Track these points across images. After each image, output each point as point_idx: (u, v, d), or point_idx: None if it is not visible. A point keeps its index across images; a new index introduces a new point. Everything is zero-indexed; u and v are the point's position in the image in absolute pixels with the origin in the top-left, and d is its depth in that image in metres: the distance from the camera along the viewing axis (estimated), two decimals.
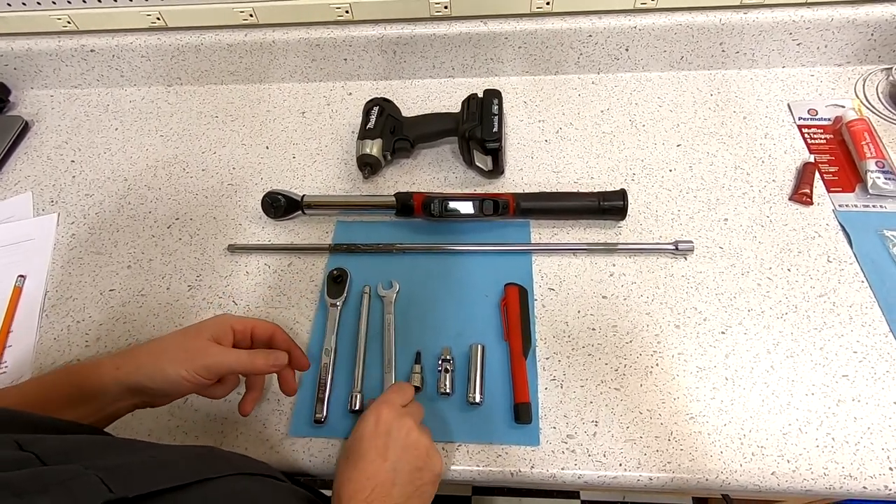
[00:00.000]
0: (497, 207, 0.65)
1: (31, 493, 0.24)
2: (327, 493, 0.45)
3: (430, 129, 0.76)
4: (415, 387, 0.55)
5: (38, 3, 0.83)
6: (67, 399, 0.42)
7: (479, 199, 0.66)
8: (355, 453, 0.43)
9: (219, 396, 0.49)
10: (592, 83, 0.85)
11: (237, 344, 0.47)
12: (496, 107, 0.72)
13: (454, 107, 0.76)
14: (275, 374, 0.53)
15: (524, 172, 0.74)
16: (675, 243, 0.64)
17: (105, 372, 0.42)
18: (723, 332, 0.58)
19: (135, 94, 0.92)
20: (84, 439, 0.34)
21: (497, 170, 0.72)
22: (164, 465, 0.32)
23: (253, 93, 0.90)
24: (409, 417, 0.46)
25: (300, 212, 0.71)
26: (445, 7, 0.80)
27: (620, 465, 0.51)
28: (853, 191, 0.68)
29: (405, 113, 0.79)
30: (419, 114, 0.78)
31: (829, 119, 0.76)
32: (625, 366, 0.57)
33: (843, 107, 0.76)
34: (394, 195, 0.68)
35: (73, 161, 0.83)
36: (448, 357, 0.57)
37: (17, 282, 0.68)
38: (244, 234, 0.71)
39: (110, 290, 0.67)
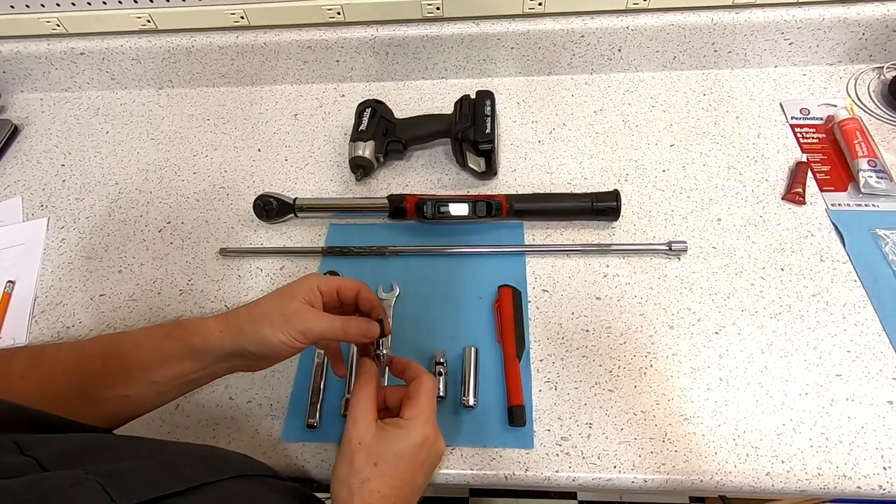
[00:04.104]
0: (490, 209, 0.65)
1: (31, 500, 0.24)
2: (323, 495, 0.45)
3: (422, 130, 0.76)
4: None
5: (27, 6, 0.83)
6: (178, 353, 0.43)
7: (472, 201, 0.66)
8: (392, 469, 0.43)
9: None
10: (585, 84, 0.85)
11: (325, 304, 0.47)
12: (489, 108, 0.72)
13: (447, 108, 0.76)
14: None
15: (517, 173, 0.74)
16: (669, 244, 0.63)
17: (211, 332, 0.43)
18: (716, 333, 0.58)
19: (125, 97, 0.91)
20: (86, 439, 0.33)
21: (490, 171, 0.72)
22: (167, 470, 0.32)
23: (245, 95, 0.89)
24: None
25: (292, 215, 0.71)
26: (437, 8, 0.80)
27: (615, 467, 0.51)
28: (845, 190, 0.68)
29: (398, 114, 0.78)
30: (412, 115, 0.78)
31: (822, 118, 0.76)
32: (619, 367, 0.57)
33: (835, 106, 0.76)
34: (387, 197, 0.68)
35: (63, 165, 0.82)
36: (441, 360, 0.57)
37: (6, 287, 0.68)
38: (236, 237, 0.71)
39: (101, 296, 0.67)
